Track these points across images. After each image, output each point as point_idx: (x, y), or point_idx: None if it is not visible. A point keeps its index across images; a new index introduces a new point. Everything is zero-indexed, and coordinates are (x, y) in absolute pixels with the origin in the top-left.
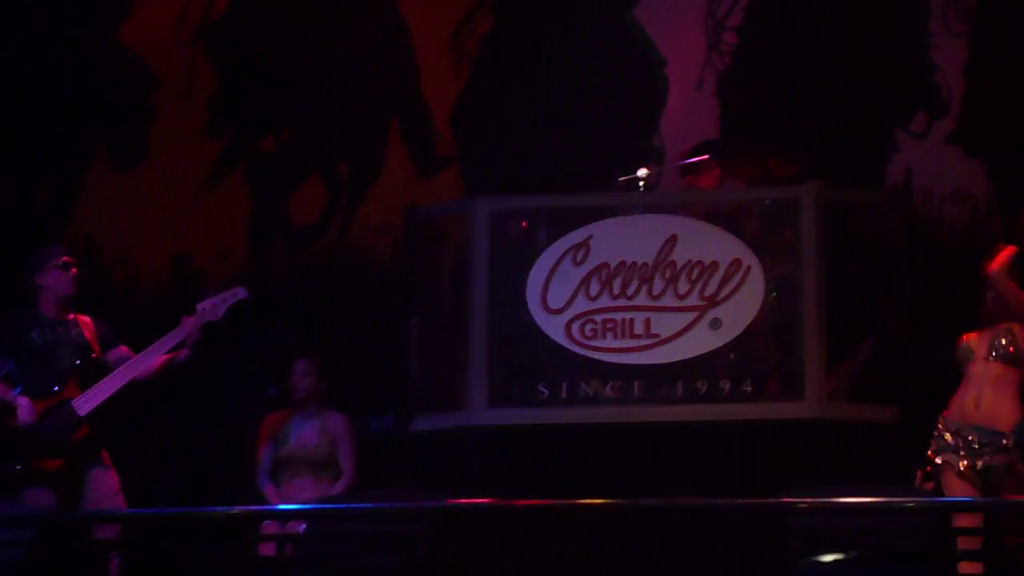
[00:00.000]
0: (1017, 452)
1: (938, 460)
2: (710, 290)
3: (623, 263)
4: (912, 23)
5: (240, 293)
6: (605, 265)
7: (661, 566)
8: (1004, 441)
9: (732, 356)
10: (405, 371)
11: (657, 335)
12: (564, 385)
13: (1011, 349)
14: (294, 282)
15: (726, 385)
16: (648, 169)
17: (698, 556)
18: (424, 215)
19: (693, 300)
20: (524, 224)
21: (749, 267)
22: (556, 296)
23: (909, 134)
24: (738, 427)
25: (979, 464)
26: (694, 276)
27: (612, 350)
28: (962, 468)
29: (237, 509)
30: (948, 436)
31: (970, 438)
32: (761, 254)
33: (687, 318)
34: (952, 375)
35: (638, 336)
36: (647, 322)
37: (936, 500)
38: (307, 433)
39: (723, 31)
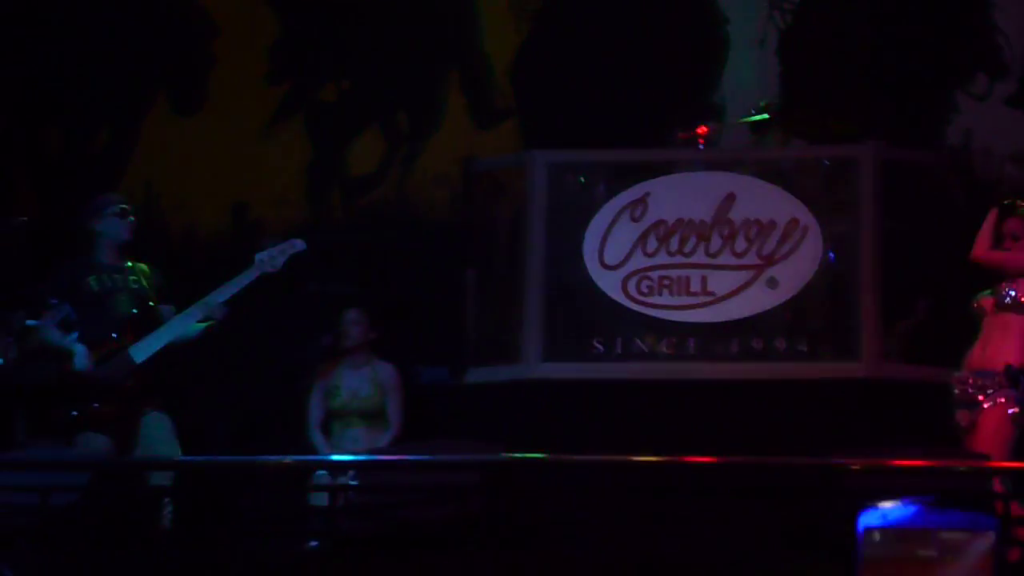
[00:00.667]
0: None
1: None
2: (767, 249)
3: (680, 220)
4: None
5: (298, 245)
6: (663, 222)
7: (712, 522)
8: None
9: (788, 315)
10: (460, 323)
11: (713, 293)
12: (619, 341)
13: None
14: (351, 232)
15: (781, 344)
16: (708, 126)
17: (750, 514)
18: (482, 167)
19: (750, 259)
20: (582, 179)
21: (807, 227)
22: (613, 252)
23: (970, 95)
24: (793, 386)
25: None
26: (752, 235)
27: (668, 307)
28: None
29: (289, 459)
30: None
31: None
32: (819, 213)
33: (744, 276)
34: None
35: (694, 293)
36: (703, 279)
37: (986, 463)
38: (357, 383)
39: None
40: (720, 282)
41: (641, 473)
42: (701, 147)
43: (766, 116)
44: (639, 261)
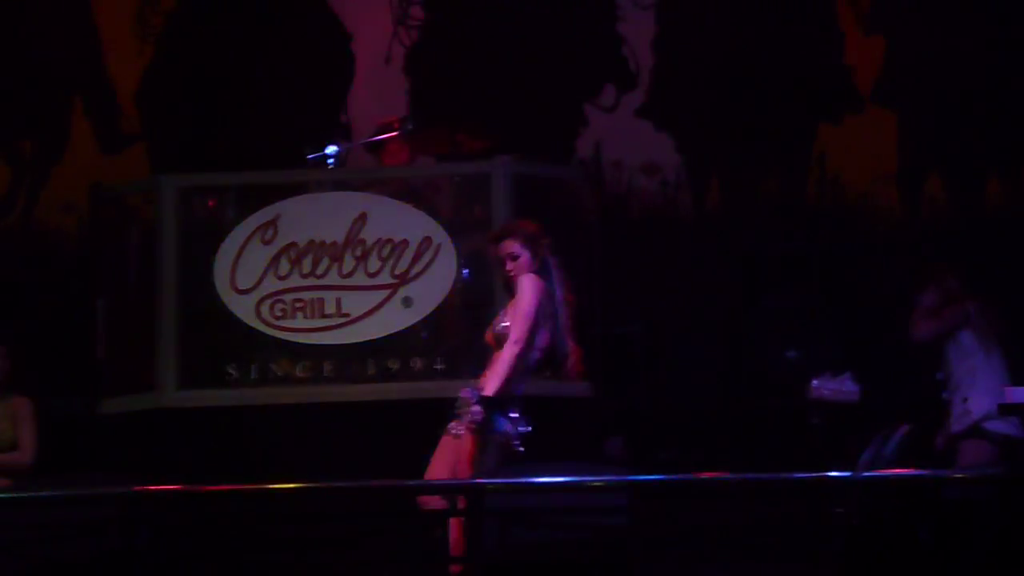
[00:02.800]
0: None
1: None
2: (401, 268)
3: (312, 242)
4: None
5: None
6: (294, 244)
7: (367, 547)
8: None
9: (424, 334)
10: (93, 352)
11: (348, 314)
12: (254, 366)
13: None
14: None
15: (418, 363)
16: (336, 146)
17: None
18: (110, 193)
19: (384, 278)
20: (212, 203)
21: (440, 245)
22: (245, 276)
23: (598, 107)
24: (433, 404)
25: None
26: (385, 254)
27: (302, 330)
28: None
29: None
30: None
31: None
32: (452, 231)
33: (379, 296)
34: (643, 350)
35: (329, 316)
36: (338, 301)
37: (625, 478)
38: None
39: (410, 5)
40: (355, 303)
41: (282, 500)
42: (331, 166)
43: (394, 134)
44: (271, 284)
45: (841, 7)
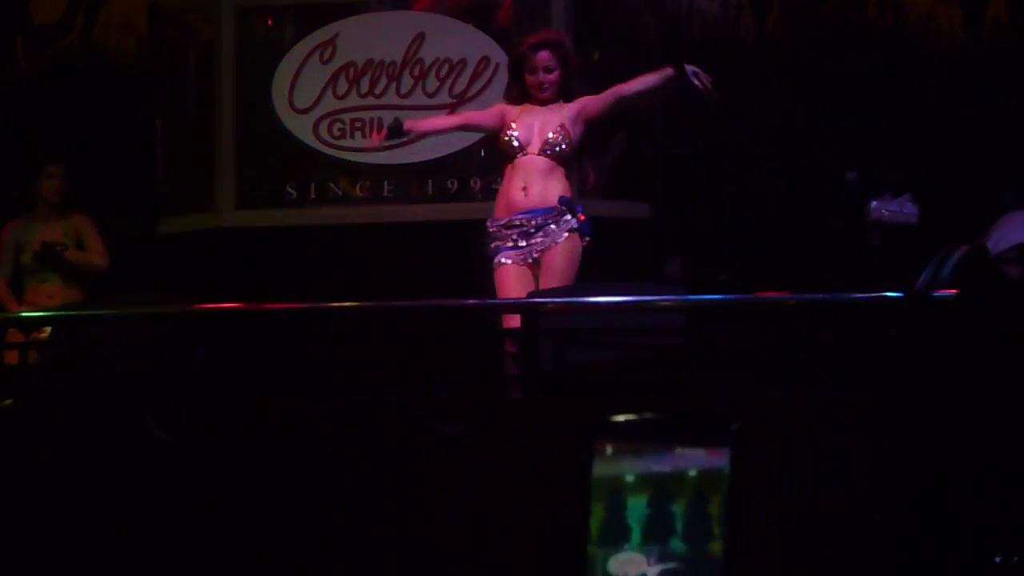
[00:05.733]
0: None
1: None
2: (459, 88)
3: (371, 61)
4: None
5: None
6: (352, 63)
7: (416, 365)
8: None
9: (482, 153)
10: (152, 173)
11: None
12: (313, 185)
13: None
14: (37, 82)
15: (476, 183)
16: None
17: (455, 356)
18: (169, 12)
19: (442, 98)
20: (270, 22)
21: (498, 64)
22: (303, 95)
23: None
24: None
25: None
26: (442, 74)
27: (361, 150)
28: None
29: None
30: None
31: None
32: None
33: (437, 116)
34: (702, 171)
35: None
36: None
37: (683, 298)
38: (51, 236)
39: None
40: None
41: (342, 320)
42: None
43: None
44: (330, 104)
45: None
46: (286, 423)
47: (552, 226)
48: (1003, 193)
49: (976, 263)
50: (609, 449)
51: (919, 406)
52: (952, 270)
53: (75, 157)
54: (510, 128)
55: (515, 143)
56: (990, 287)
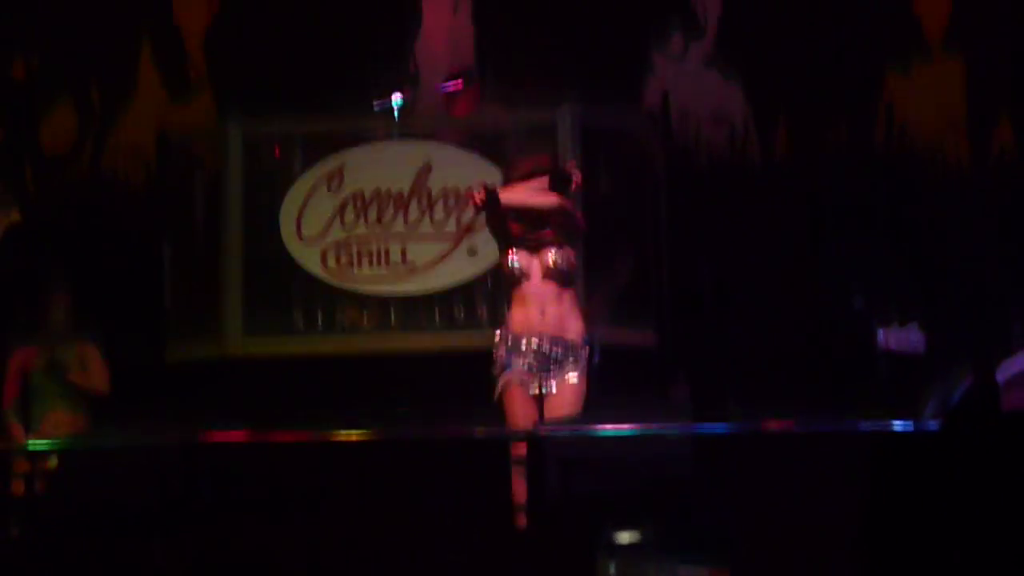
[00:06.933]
0: None
1: None
2: (466, 218)
3: (378, 191)
4: None
5: None
6: (360, 193)
7: (424, 497)
8: None
9: (489, 283)
10: (159, 300)
11: (413, 263)
12: (320, 314)
13: None
14: (46, 211)
15: (483, 312)
16: (402, 94)
17: (464, 486)
18: (177, 141)
19: (449, 228)
20: (277, 151)
21: None
22: (310, 224)
23: (666, 56)
24: None
25: None
26: (450, 203)
27: (368, 279)
28: None
29: None
30: None
31: None
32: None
33: (444, 246)
34: (709, 298)
35: (394, 265)
36: (403, 250)
37: (698, 427)
38: (58, 360)
39: None
40: (420, 252)
41: (347, 450)
42: (396, 116)
43: (460, 83)
44: (337, 233)
45: None
46: (292, 551)
47: (571, 358)
48: (1015, 324)
49: (981, 396)
50: (612, 568)
51: (916, 536)
52: (959, 400)
53: (83, 283)
54: None
55: None
56: (991, 422)
